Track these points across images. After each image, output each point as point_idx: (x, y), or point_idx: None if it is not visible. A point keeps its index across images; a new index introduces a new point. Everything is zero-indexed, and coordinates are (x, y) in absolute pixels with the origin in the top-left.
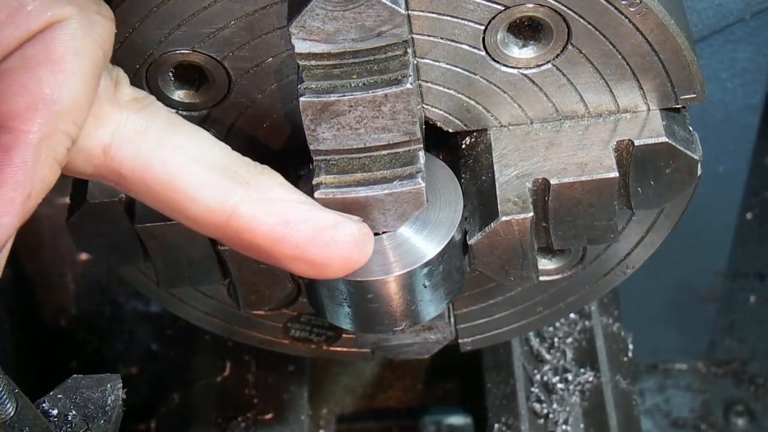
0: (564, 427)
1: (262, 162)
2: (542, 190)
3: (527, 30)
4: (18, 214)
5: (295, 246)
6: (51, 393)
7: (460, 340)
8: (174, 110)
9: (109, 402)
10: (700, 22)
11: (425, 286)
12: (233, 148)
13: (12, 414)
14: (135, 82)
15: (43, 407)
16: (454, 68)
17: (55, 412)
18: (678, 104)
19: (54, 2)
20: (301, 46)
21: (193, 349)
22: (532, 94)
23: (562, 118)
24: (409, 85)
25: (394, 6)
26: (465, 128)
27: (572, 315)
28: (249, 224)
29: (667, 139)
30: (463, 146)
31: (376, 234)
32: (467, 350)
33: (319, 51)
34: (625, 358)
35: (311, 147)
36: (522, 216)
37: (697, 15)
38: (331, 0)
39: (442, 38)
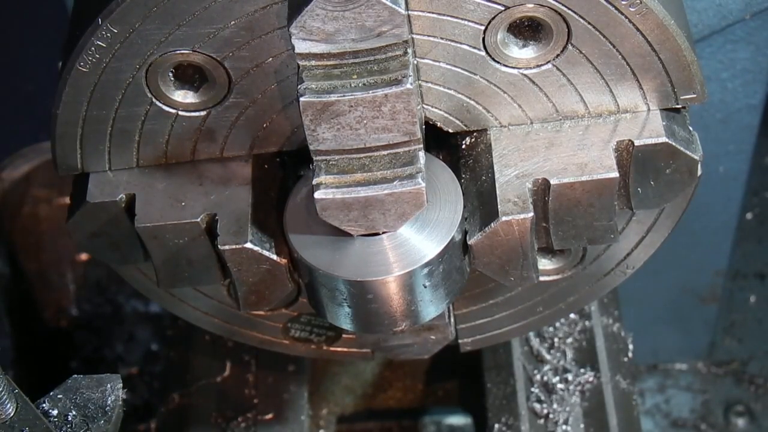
0: (564, 427)
1: (261, 161)
2: (542, 190)
3: (527, 30)
4: None
5: None
6: (51, 393)
7: (460, 340)
8: (174, 110)
9: (109, 402)
10: (700, 22)
11: (425, 287)
12: (233, 148)
13: (12, 414)
14: (135, 83)
15: (43, 407)
16: (454, 68)
17: (55, 412)
18: (678, 104)
19: None
20: (301, 46)
21: (193, 349)
22: (532, 94)
23: (562, 118)
24: (409, 86)
25: (394, 6)
26: (465, 128)
27: (572, 315)
28: None
29: (667, 140)
30: (463, 146)
31: (376, 234)
32: (467, 350)
33: (319, 51)
34: (625, 358)
35: (311, 147)
36: (522, 216)
37: (697, 15)
38: (331, 0)
39: (442, 38)
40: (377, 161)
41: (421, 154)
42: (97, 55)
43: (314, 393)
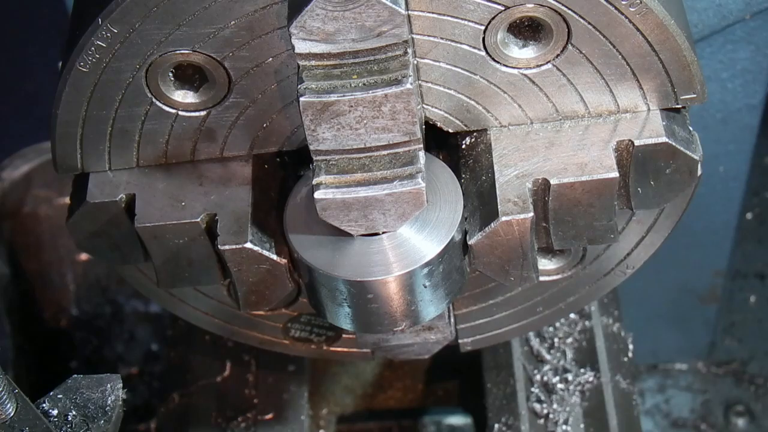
0: (564, 427)
1: (261, 161)
2: (542, 190)
3: (527, 30)
4: None
5: None
6: (51, 393)
7: (460, 340)
8: (174, 110)
9: (109, 402)
10: (700, 22)
11: (425, 286)
12: (233, 148)
13: (12, 414)
14: (135, 83)
15: (43, 407)
16: (454, 68)
17: (55, 412)
18: (678, 104)
19: None
20: (301, 46)
21: (193, 349)
22: (532, 94)
23: (562, 118)
24: (409, 86)
25: (394, 6)
26: (465, 128)
27: (572, 315)
28: None
29: (667, 140)
30: (463, 146)
31: (376, 234)
32: (467, 350)
33: (319, 51)
34: (625, 358)
35: (311, 147)
36: (522, 216)
37: (697, 15)
38: (331, 0)
39: (442, 38)
40: (377, 161)
41: (421, 154)
42: (97, 55)
43: (314, 393)
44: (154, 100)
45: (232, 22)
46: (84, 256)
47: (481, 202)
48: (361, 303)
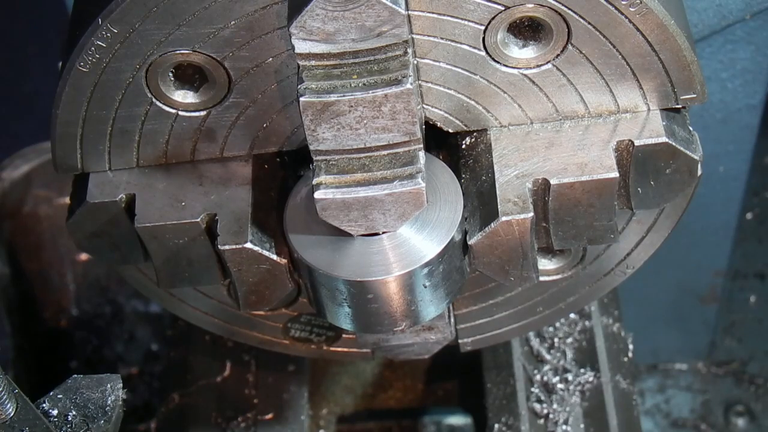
0: (564, 427)
1: (261, 161)
2: (542, 190)
3: (527, 30)
4: None
5: None
6: (51, 393)
7: (460, 341)
8: (174, 110)
9: (109, 402)
10: (700, 22)
11: (425, 287)
12: (233, 148)
13: (12, 414)
14: (135, 83)
15: (43, 407)
16: (454, 68)
17: (55, 412)
18: (678, 104)
19: None
20: (301, 46)
21: (193, 349)
22: (532, 94)
23: (562, 118)
24: (409, 86)
25: (394, 6)
26: (465, 128)
27: (572, 315)
28: None
29: (667, 140)
30: (463, 146)
31: (376, 234)
32: (467, 350)
33: (319, 51)
34: (625, 358)
35: (311, 147)
36: (522, 216)
37: (697, 15)
38: (331, 0)
39: (442, 38)
40: (377, 161)
41: (421, 154)
42: (97, 55)
43: (314, 393)
44: (154, 100)
45: (232, 22)
46: (84, 256)
47: (481, 202)
48: (361, 303)
